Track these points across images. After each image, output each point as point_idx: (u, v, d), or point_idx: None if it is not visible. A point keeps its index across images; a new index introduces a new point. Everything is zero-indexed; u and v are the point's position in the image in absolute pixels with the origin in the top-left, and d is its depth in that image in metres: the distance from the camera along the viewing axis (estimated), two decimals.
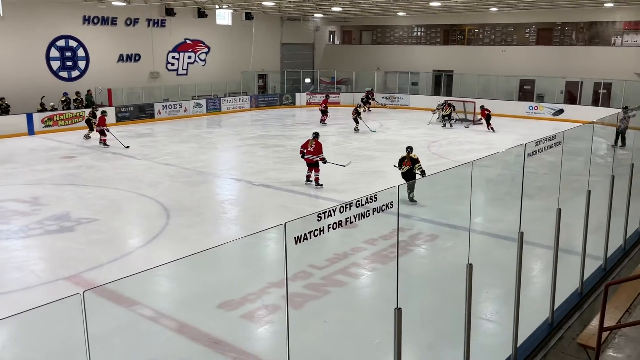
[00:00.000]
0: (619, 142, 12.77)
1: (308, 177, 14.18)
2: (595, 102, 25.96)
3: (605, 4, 25.39)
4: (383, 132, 22.90)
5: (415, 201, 12.00)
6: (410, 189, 11.75)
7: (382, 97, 31.39)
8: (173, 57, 29.70)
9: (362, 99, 28.81)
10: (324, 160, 14.00)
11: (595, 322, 5.24)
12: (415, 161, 12.62)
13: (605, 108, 24.85)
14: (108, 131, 19.42)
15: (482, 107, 23.55)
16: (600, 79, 25.99)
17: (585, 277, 7.01)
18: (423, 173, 12.33)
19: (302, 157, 14.19)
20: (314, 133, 14.72)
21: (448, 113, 24.13)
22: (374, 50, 35.47)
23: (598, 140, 9.77)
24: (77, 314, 2.57)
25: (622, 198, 8.15)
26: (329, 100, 26.94)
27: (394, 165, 13.10)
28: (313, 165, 14.02)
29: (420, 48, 34.32)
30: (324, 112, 24.87)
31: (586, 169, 7.25)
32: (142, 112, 25.85)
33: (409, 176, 12.56)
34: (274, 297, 7.52)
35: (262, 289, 7.77)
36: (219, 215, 12.07)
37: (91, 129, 20.62)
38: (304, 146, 14.19)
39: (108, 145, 19.21)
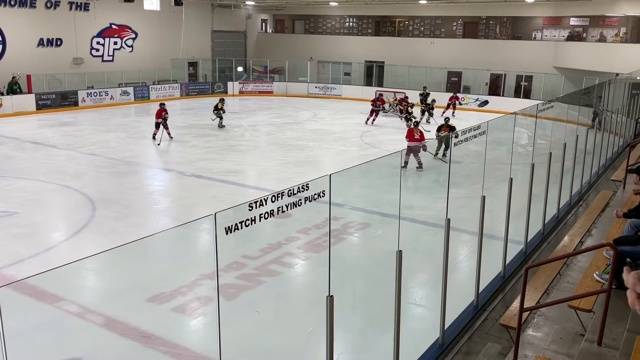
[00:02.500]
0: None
1: (407, 162, 14.23)
2: (517, 94, 27.19)
3: (526, 0, 26.59)
4: (316, 122, 23.00)
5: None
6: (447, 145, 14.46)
7: (315, 87, 31.51)
8: (98, 43, 28.44)
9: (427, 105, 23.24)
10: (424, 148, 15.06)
11: (516, 304, 5.51)
12: (453, 128, 14.91)
13: (526, 100, 26.11)
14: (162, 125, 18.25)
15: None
16: (522, 71, 27.23)
17: (507, 261, 7.35)
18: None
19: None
20: (415, 122, 16.20)
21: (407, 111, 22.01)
22: (307, 40, 35.46)
23: (520, 130, 10.27)
24: None
25: (541, 185, 8.60)
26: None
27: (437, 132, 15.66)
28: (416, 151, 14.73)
29: (352, 38, 34.63)
30: (376, 112, 22.35)
31: (508, 157, 7.59)
32: (65, 100, 24.64)
33: (446, 141, 14.67)
34: (206, 289, 7.42)
35: (194, 281, 7.64)
36: (148, 207, 11.74)
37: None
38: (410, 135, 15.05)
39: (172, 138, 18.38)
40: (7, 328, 2.41)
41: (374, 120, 22.41)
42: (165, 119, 18.03)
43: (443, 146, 15.27)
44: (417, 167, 14.30)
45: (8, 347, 2.47)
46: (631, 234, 5.95)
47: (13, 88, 23.28)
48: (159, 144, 17.63)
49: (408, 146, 14.46)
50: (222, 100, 21.22)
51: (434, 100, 23.10)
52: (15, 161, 14.99)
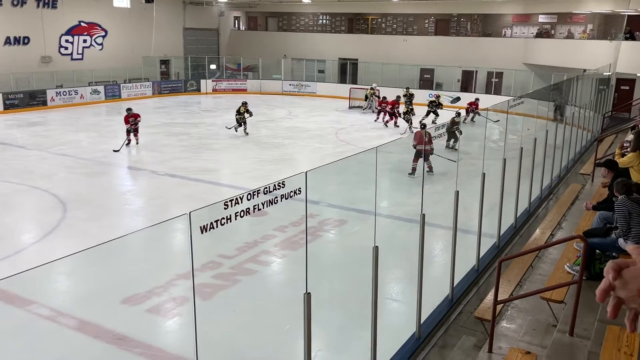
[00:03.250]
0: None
1: (415, 169, 13.22)
2: (488, 90, 27.56)
3: None
4: (291, 120, 22.95)
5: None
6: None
7: (290, 85, 31.45)
8: (67, 41, 27.88)
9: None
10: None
11: (490, 296, 5.60)
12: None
13: (497, 96, 26.48)
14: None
15: (398, 97, 22.22)
16: (492, 68, 27.61)
17: (481, 255, 7.47)
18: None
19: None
20: (422, 124, 15.61)
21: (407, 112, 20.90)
22: (280, 37, 35.34)
23: (492, 126, 10.41)
24: None
25: (513, 180, 8.74)
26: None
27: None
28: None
29: (325, 36, 34.64)
30: (392, 114, 21.29)
31: (481, 153, 7.69)
32: (33, 99, 24.10)
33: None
34: (182, 289, 7.34)
35: (169, 281, 7.56)
36: (121, 207, 11.57)
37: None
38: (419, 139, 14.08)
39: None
40: None
41: (387, 121, 21.27)
42: (134, 125, 16.82)
43: (452, 139, 14.77)
44: (427, 172, 12.87)
45: None
46: (600, 226, 6.09)
47: None
48: (117, 150, 16.13)
49: (418, 150, 12.98)
50: (244, 104, 19.23)
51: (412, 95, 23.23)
52: None
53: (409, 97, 23.42)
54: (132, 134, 16.89)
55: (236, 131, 18.94)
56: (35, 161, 15.00)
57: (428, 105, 21.74)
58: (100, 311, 6.88)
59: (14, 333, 6.40)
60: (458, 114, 16.98)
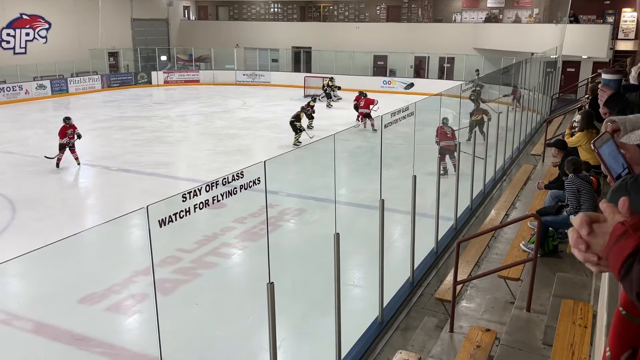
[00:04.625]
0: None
1: (446, 168, 11.48)
2: (441, 76, 27.99)
3: None
4: (246, 110, 22.73)
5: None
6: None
7: (244, 75, 31.11)
8: (8, 35, 26.69)
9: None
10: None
11: (450, 278, 5.73)
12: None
13: (449, 81, 26.92)
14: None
15: (360, 93, 20.30)
16: (444, 53, 28.03)
17: (439, 237, 7.61)
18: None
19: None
20: (444, 119, 11.79)
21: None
22: (232, 27, 34.83)
23: (445, 110, 10.58)
24: None
25: (468, 162, 8.92)
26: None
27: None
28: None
29: (278, 24, 34.37)
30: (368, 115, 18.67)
31: (435, 137, 7.81)
32: None
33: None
34: (141, 286, 7.20)
35: (127, 279, 7.41)
36: (73, 205, 11.22)
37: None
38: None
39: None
40: None
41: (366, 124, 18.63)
42: (71, 139, 13.67)
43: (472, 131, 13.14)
44: (443, 173, 11.23)
45: None
46: (552, 205, 6.30)
47: None
48: (51, 158, 13.59)
49: (442, 147, 11.06)
50: (314, 100, 18.40)
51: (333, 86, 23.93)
52: None
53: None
54: (67, 150, 13.67)
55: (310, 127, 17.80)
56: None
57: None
58: (57, 312, 6.68)
59: None
60: (314, 100, 17.67)
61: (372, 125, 17.21)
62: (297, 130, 16.51)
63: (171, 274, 7.57)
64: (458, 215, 8.39)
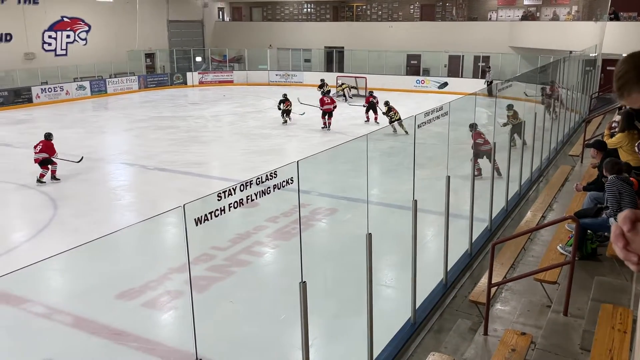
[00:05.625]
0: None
1: (480, 170, 10.83)
2: (475, 75, 27.60)
3: None
4: (278, 110, 22.82)
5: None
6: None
7: (276, 75, 31.31)
8: (50, 37, 27.52)
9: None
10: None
11: (484, 280, 5.64)
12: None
13: (484, 80, 26.56)
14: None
15: (369, 93, 20.86)
16: (479, 52, 27.64)
17: (473, 239, 7.51)
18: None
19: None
20: (473, 124, 10.84)
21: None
22: (265, 27, 35.11)
23: (480, 110, 10.43)
24: None
25: (503, 163, 8.78)
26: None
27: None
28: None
29: (311, 25, 34.47)
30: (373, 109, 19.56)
31: (470, 137, 7.71)
32: (18, 97, 23.81)
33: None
34: (176, 283, 7.34)
35: (163, 275, 7.55)
36: (111, 203, 11.50)
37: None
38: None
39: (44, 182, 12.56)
40: None
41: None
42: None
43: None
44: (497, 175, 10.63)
45: None
46: (591, 207, 6.15)
47: None
48: (43, 182, 12.49)
49: (482, 151, 10.95)
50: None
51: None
52: None
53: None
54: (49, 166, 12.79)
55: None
56: (22, 159, 14.81)
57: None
58: (96, 307, 6.86)
59: (9, 332, 6.37)
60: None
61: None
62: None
63: (205, 271, 7.68)
64: (493, 217, 8.26)
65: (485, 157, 10.69)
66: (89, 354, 6.00)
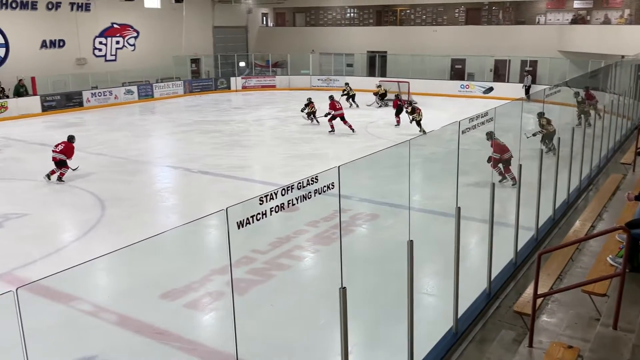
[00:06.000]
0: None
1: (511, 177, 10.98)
2: (522, 80, 27.00)
3: None
4: (320, 114, 22.89)
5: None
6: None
7: (318, 80, 31.43)
8: (100, 43, 28.47)
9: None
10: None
11: (529, 290, 5.49)
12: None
13: (532, 85, 25.97)
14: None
15: (396, 97, 21.66)
16: (526, 57, 27.03)
17: (519, 248, 7.32)
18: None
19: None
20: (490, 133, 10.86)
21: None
22: (308, 32, 35.34)
23: (526, 116, 10.19)
24: (11, 313, 2.43)
25: (550, 170, 8.54)
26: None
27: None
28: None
29: (353, 29, 34.49)
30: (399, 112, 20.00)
31: (516, 144, 7.54)
32: (69, 101, 24.70)
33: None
34: (217, 284, 7.44)
35: (205, 277, 7.66)
36: (157, 205, 11.77)
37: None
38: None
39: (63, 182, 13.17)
40: (25, 328, 2.42)
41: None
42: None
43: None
44: (512, 184, 10.65)
45: (28, 347, 2.48)
46: None
47: (20, 90, 23.38)
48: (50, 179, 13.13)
49: (505, 159, 11.16)
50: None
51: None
52: (23, 163, 15.06)
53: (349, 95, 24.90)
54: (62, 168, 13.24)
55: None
56: (73, 161, 15.35)
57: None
58: (140, 306, 7.02)
59: (59, 328, 6.59)
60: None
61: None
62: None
63: (245, 274, 7.75)
64: (539, 226, 8.04)
65: (506, 164, 10.66)
66: (133, 352, 6.14)
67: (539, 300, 5.13)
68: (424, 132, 15.98)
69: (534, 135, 11.62)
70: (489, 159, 9.74)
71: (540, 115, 12.80)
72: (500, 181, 11.30)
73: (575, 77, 19.28)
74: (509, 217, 7.54)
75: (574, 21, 27.65)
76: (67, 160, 13.31)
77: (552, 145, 12.43)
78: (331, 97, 19.62)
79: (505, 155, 11.14)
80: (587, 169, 10.66)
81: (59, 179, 13.14)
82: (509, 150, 11.01)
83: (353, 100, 24.90)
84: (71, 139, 13.71)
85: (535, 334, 4.88)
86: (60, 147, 13.27)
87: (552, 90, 8.36)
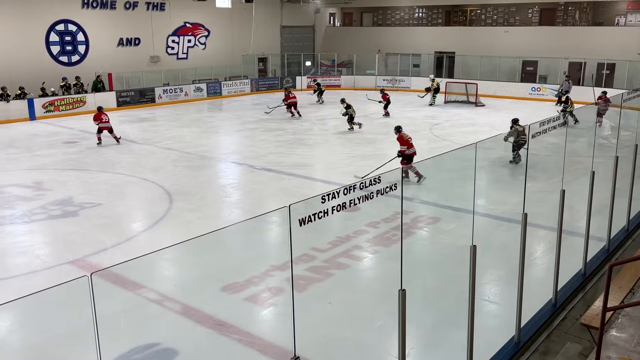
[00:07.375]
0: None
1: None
2: (598, 83, 25.75)
3: None
4: (385, 115, 22.79)
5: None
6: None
7: (384, 80, 31.24)
8: (173, 41, 29.51)
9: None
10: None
11: (598, 303, 5.26)
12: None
13: (608, 89, 24.71)
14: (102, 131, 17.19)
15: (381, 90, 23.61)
16: (603, 59, 25.78)
17: (588, 259, 7.02)
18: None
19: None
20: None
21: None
22: (375, 32, 35.19)
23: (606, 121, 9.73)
24: (84, 297, 2.58)
25: (625, 179, 8.13)
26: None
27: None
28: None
29: (421, 29, 34.03)
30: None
31: (589, 150, 7.22)
32: (142, 97, 25.76)
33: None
34: (277, 280, 7.55)
35: (265, 272, 7.80)
36: (221, 199, 12.08)
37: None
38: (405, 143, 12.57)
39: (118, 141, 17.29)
40: (97, 313, 2.55)
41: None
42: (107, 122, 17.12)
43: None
44: (417, 180, 11.81)
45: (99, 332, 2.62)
46: None
47: (98, 86, 24.62)
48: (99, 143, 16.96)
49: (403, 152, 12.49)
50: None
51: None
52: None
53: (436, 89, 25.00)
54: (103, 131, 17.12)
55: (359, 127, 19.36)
56: (144, 155, 16.03)
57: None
58: (202, 297, 7.24)
59: (127, 314, 6.91)
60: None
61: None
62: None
63: (305, 271, 7.83)
64: (612, 236, 7.67)
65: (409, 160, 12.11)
66: (195, 341, 6.34)
67: (608, 314, 4.90)
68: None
69: (505, 139, 12.59)
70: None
71: (515, 121, 14.11)
72: (403, 177, 11.23)
73: None
74: (578, 226, 7.24)
75: None
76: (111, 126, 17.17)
77: (518, 155, 13.64)
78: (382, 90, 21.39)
79: (409, 151, 12.37)
80: None
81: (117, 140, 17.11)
82: (413, 146, 12.52)
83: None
84: (100, 108, 17.57)
85: (603, 348, 4.66)
86: (105, 117, 17.08)
87: (631, 95, 7.94)
